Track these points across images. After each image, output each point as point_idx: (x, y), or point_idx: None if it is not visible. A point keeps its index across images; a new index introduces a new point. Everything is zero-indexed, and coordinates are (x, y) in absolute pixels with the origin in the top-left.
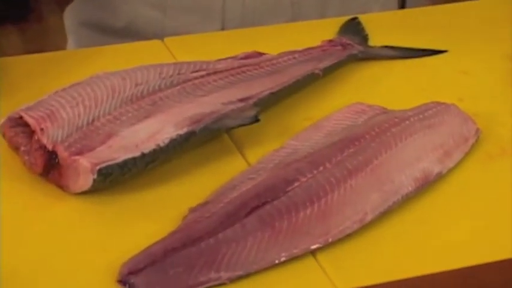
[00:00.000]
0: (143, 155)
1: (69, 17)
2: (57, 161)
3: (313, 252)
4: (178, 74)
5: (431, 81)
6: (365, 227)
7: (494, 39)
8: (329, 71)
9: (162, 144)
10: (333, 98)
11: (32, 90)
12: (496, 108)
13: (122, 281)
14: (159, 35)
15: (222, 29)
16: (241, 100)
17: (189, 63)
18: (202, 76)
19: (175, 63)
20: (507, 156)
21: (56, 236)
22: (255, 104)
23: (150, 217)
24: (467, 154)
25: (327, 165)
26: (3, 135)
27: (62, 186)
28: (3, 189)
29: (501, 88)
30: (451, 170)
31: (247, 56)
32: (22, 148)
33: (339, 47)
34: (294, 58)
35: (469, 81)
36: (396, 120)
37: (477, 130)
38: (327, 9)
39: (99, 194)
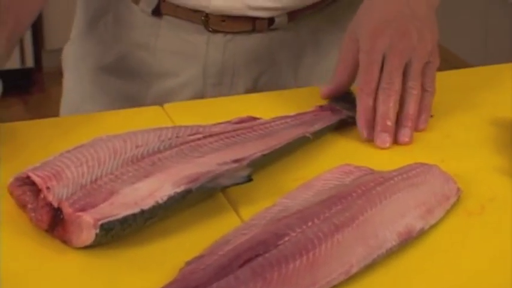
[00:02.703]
0: (142, 211)
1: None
2: (62, 217)
3: None
4: (177, 136)
5: (415, 145)
6: (351, 279)
7: (475, 105)
8: (319, 134)
9: (160, 202)
10: (323, 160)
11: (36, 152)
12: (475, 169)
13: None
14: (146, 74)
15: (204, 73)
16: (235, 161)
17: (186, 126)
18: (198, 139)
19: (173, 127)
20: (486, 214)
21: (61, 285)
22: (248, 165)
23: (149, 270)
24: (448, 211)
25: (316, 221)
26: (11, 194)
27: (66, 241)
28: (10, 244)
29: (480, 150)
30: (433, 226)
31: (241, 121)
32: (29, 206)
33: (329, 112)
34: (286, 122)
35: (451, 143)
36: (381, 179)
37: (458, 189)
38: (299, 66)
39: (101, 248)
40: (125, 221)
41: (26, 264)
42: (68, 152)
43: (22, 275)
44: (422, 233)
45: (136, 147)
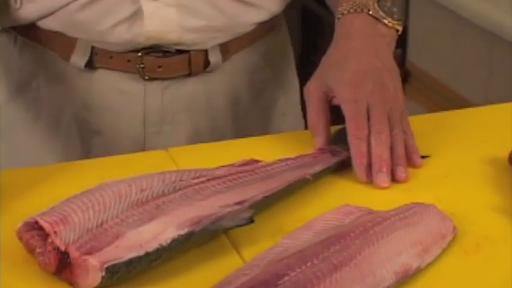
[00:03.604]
0: (147, 253)
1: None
2: (69, 260)
3: None
4: (180, 180)
5: (414, 184)
6: None
7: (474, 145)
8: (319, 176)
9: (164, 244)
10: (323, 200)
11: (43, 197)
12: (471, 208)
13: None
14: (85, 130)
15: (143, 123)
16: (237, 203)
17: (190, 170)
18: (202, 182)
19: (177, 171)
20: (482, 252)
21: None
22: (250, 207)
23: None
24: (444, 250)
25: (315, 260)
26: (20, 239)
27: (73, 284)
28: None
29: (477, 189)
30: (429, 265)
31: (245, 163)
32: (37, 250)
33: (328, 154)
34: (287, 165)
35: (448, 183)
36: (379, 219)
37: (454, 228)
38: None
39: None
40: (130, 264)
41: None
42: (75, 197)
43: None
44: (419, 271)
45: (141, 191)
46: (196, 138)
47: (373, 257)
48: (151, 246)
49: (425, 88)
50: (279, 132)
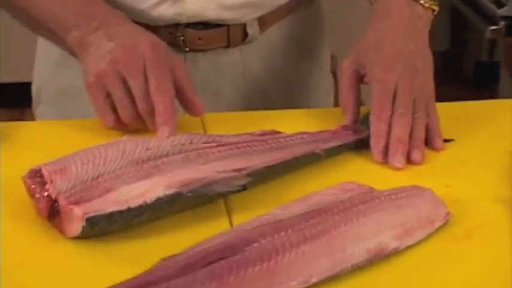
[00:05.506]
0: (129, 209)
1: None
2: (58, 208)
3: None
4: (190, 143)
5: (428, 168)
6: None
7: (502, 136)
8: (333, 152)
9: (148, 202)
10: (330, 176)
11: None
12: (477, 197)
13: None
14: None
15: None
16: (235, 170)
17: (203, 135)
18: (210, 147)
19: (190, 134)
20: (470, 241)
21: (48, 270)
22: (248, 175)
23: (128, 264)
24: (432, 235)
25: (289, 231)
26: (24, 184)
27: (61, 231)
28: (17, 229)
29: (491, 180)
30: (413, 247)
31: (264, 133)
32: (36, 195)
33: (350, 132)
34: (302, 138)
35: (463, 171)
36: (368, 198)
37: (447, 214)
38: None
39: (90, 240)
40: (111, 217)
41: (23, 248)
42: (82, 150)
43: (18, 258)
44: (397, 253)
45: (146, 149)
46: (233, 107)
47: (348, 233)
48: (135, 203)
49: None
50: (313, 100)
